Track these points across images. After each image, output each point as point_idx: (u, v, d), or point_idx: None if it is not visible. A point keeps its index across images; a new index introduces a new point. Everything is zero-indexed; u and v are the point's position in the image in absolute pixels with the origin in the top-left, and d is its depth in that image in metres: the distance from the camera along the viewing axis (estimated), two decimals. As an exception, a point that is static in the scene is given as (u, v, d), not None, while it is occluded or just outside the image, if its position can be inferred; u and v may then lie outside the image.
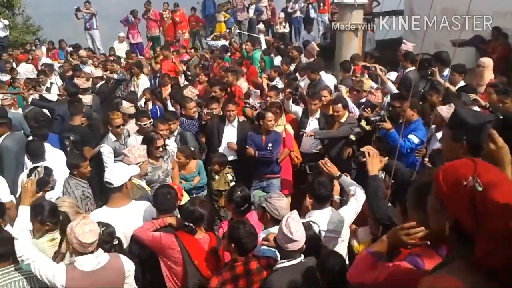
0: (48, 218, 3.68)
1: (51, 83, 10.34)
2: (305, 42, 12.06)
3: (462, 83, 6.80)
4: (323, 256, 3.25)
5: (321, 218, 3.87)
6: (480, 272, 1.46)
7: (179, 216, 4.07)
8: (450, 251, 1.64)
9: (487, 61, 6.92)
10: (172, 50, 12.15)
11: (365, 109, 6.26)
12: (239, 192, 3.95)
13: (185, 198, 4.69)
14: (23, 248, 3.19)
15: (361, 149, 3.77)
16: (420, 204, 1.94)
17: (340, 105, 6.20)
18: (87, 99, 7.99)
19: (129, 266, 3.37)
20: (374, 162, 3.53)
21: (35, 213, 3.55)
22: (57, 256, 3.57)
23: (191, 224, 3.65)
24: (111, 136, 6.10)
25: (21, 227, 3.24)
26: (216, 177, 5.87)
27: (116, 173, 3.96)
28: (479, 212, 1.43)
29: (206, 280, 3.57)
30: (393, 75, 7.40)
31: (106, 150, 5.94)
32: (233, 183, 5.66)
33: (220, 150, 6.32)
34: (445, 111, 4.96)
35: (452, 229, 1.54)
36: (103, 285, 3.18)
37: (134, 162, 4.48)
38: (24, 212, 3.33)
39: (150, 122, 6.04)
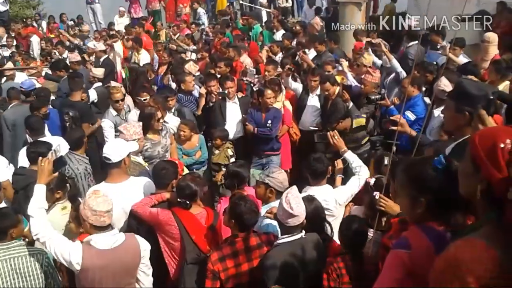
0: (58, 187, 3.78)
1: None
2: (317, 10, 11.95)
3: (461, 57, 6.72)
4: (345, 219, 3.43)
5: (317, 195, 3.87)
6: (509, 236, 1.47)
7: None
8: (479, 216, 1.64)
9: (492, 36, 6.82)
10: (173, 24, 12.00)
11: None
12: (230, 165, 4.08)
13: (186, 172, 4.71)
14: (38, 226, 3.16)
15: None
16: (411, 182, 1.91)
17: (328, 83, 6.15)
18: (99, 71, 7.95)
19: (145, 246, 3.33)
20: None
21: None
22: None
23: (184, 200, 3.67)
24: (112, 111, 6.11)
25: (37, 205, 3.22)
26: (216, 151, 5.88)
27: (114, 149, 3.96)
28: None
29: (204, 255, 3.62)
30: None
31: (106, 124, 5.96)
32: (233, 159, 5.67)
33: (226, 127, 6.26)
34: (443, 85, 4.95)
35: (483, 193, 1.56)
36: (120, 264, 3.16)
37: (129, 139, 4.46)
38: (40, 190, 3.30)
39: (150, 97, 6.00)
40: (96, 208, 3.08)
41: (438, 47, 7.01)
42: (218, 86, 6.64)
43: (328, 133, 4.41)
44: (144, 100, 5.97)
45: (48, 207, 3.71)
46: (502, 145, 1.50)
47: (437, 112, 5.23)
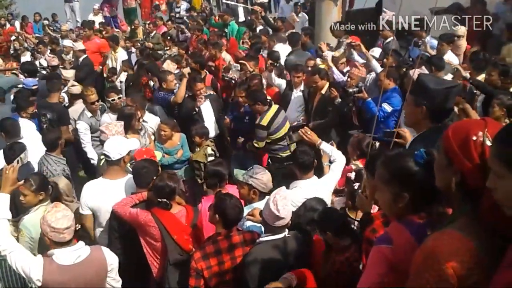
0: (40, 188, 3.70)
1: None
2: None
3: (450, 53, 6.80)
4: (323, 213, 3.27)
5: (307, 187, 3.93)
6: (484, 228, 1.51)
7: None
8: (454, 209, 1.67)
9: (464, 30, 6.96)
10: (148, 22, 11.87)
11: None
12: (208, 165, 4.14)
13: (158, 156, 4.66)
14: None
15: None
16: (393, 177, 1.89)
17: (317, 76, 6.19)
18: (69, 74, 7.83)
19: (112, 259, 3.21)
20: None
21: (29, 184, 3.59)
22: None
23: (165, 200, 3.65)
24: (87, 113, 6.00)
25: None
26: (197, 149, 5.86)
27: (114, 147, 3.98)
28: (487, 166, 1.46)
29: (187, 254, 3.62)
30: (376, 51, 7.27)
31: (82, 126, 5.88)
32: (211, 158, 5.65)
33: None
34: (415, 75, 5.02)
35: (458, 185, 1.59)
36: (83, 279, 3.04)
37: None
38: (3, 200, 3.19)
39: (118, 98, 5.90)
40: (55, 225, 2.94)
41: (419, 43, 7.07)
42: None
43: (300, 131, 4.40)
44: (112, 100, 5.86)
45: (32, 209, 3.70)
46: (474, 138, 1.54)
47: None
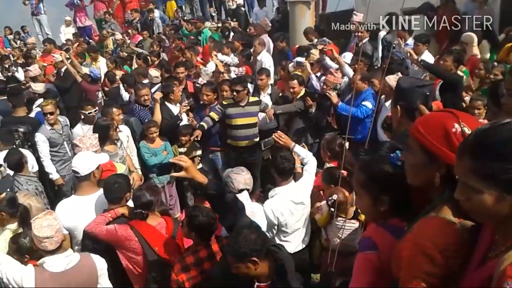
0: (5, 207, 3.60)
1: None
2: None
3: (426, 53, 6.87)
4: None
5: (286, 193, 3.93)
6: (465, 214, 1.50)
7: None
8: (435, 199, 1.66)
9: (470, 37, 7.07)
10: (122, 31, 11.73)
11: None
12: None
13: (120, 168, 4.57)
14: None
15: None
16: (372, 181, 1.88)
17: (295, 81, 6.20)
18: (39, 87, 7.68)
19: (101, 264, 3.22)
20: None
21: None
22: None
23: (141, 210, 3.59)
24: (46, 125, 5.78)
25: None
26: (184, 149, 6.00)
27: (82, 162, 3.89)
28: None
29: (168, 265, 3.53)
30: (348, 57, 7.30)
31: (39, 138, 5.68)
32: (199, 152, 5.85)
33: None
34: (393, 80, 5.06)
35: (443, 177, 1.59)
36: (75, 285, 3.05)
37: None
38: None
39: (95, 111, 5.77)
40: (37, 233, 2.97)
41: (394, 44, 7.11)
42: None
43: (274, 135, 4.37)
44: (89, 113, 5.70)
45: None
46: (454, 130, 1.56)
47: (388, 103, 5.39)
